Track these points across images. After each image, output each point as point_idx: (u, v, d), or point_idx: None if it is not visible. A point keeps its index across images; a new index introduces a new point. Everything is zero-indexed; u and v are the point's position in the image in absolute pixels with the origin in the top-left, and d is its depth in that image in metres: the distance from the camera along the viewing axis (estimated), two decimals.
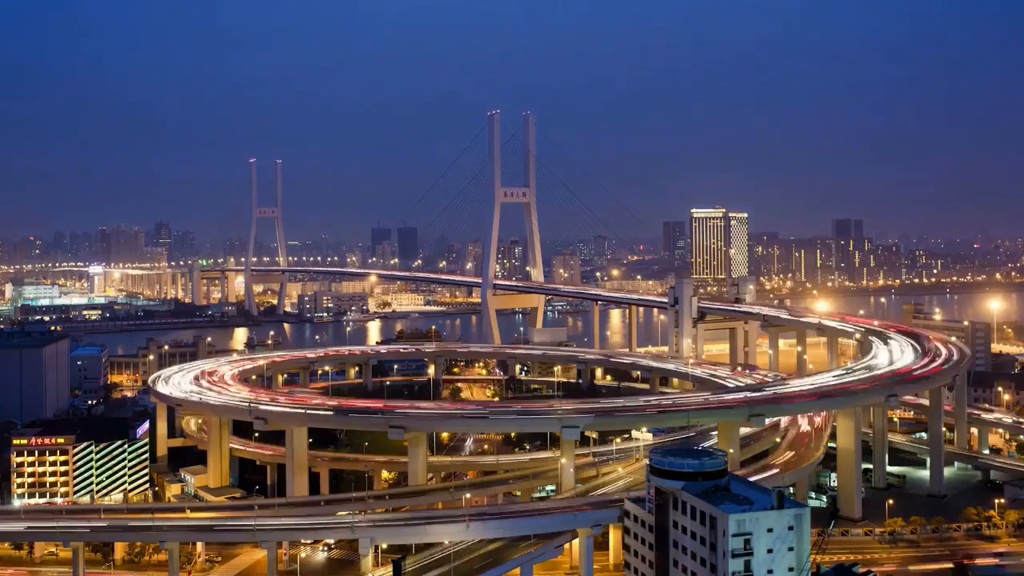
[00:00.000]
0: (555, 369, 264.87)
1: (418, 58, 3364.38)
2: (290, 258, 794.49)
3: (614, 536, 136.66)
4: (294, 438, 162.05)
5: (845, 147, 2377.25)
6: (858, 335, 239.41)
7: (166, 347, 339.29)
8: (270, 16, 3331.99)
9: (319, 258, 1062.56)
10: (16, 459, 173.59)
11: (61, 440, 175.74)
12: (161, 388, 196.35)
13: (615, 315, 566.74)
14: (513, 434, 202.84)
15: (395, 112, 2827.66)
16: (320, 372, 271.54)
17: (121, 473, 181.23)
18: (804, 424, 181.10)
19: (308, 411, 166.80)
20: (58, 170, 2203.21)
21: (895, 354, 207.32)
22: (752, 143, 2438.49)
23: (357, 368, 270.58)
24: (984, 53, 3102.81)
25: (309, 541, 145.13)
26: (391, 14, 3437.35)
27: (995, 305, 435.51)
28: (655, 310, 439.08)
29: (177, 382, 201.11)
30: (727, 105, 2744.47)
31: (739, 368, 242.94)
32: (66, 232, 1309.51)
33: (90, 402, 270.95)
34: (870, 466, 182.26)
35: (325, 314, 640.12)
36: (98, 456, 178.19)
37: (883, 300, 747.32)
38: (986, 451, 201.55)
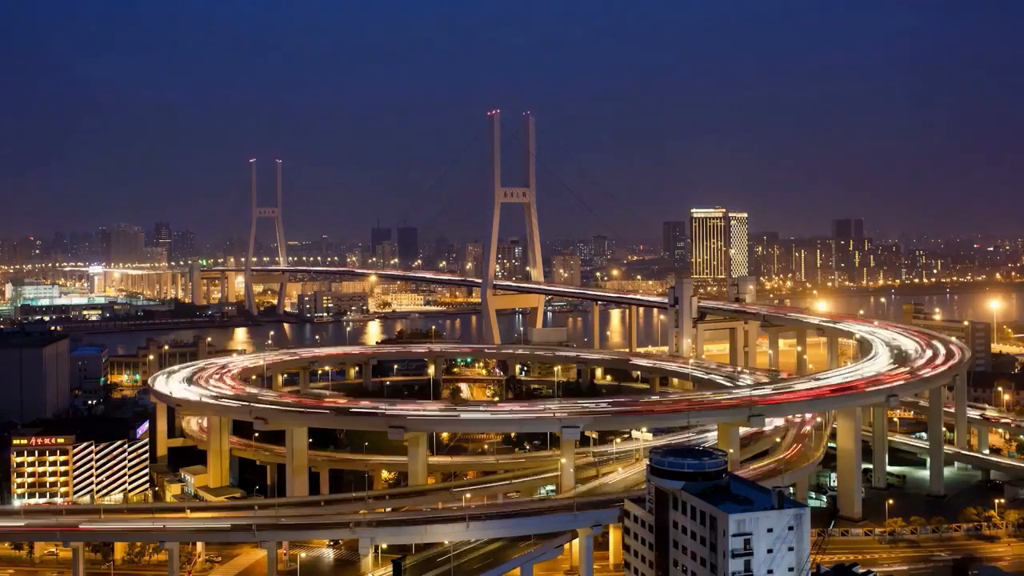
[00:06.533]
0: (555, 369, 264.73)
1: (418, 58, 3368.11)
2: (290, 258, 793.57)
3: (614, 536, 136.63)
4: (294, 438, 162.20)
5: (845, 147, 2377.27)
6: (858, 335, 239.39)
7: (166, 347, 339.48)
8: (270, 17, 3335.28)
9: (319, 258, 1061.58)
10: (16, 459, 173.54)
11: (61, 440, 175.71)
12: (161, 388, 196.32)
13: (615, 315, 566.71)
14: (513, 434, 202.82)
15: (396, 112, 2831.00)
16: (320, 372, 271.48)
17: (121, 473, 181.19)
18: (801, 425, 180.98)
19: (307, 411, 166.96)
20: (58, 170, 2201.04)
21: (895, 354, 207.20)
22: (753, 143, 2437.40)
23: (357, 368, 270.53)
24: (985, 54, 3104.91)
25: (309, 541, 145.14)
26: (391, 14, 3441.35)
27: (995, 305, 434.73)
28: (655, 310, 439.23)
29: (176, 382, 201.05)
30: (728, 105, 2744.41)
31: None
32: (66, 232, 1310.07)
33: (90, 402, 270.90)
34: (870, 466, 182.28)
35: (325, 314, 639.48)
36: (98, 456, 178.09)
37: (883, 300, 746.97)
38: (986, 451, 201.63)
